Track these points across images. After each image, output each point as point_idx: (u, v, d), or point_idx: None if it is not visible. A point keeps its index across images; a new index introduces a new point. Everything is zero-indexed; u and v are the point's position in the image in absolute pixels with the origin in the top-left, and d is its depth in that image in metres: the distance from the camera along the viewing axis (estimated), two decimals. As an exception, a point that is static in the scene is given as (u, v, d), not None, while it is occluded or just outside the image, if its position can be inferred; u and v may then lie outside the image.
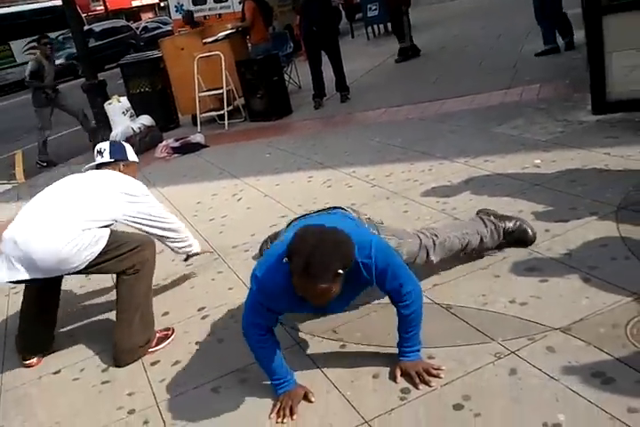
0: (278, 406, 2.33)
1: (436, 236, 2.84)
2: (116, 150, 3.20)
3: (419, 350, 2.41)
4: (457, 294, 2.83)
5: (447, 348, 2.47)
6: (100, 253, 2.80)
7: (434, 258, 2.82)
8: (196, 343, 2.94)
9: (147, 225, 3.02)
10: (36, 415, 2.67)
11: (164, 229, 3.10)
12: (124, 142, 3.45)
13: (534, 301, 2.66)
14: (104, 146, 3.20)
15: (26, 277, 2.76)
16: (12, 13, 22.29)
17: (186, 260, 3.58)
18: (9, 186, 7.71)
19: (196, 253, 3.46)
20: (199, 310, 3.25)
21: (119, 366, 2.89)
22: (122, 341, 2.89)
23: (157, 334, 3.01)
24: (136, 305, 2.91)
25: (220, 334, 2.97)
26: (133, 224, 3.00)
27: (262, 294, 2.25)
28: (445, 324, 2.63)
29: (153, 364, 2.86)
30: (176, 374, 2.74)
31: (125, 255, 2.88)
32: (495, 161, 4.34)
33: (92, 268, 2.84)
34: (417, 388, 2.29)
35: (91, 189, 2.93)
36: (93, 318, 3.45)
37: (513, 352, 2.36)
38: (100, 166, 3.18)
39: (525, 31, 9.07)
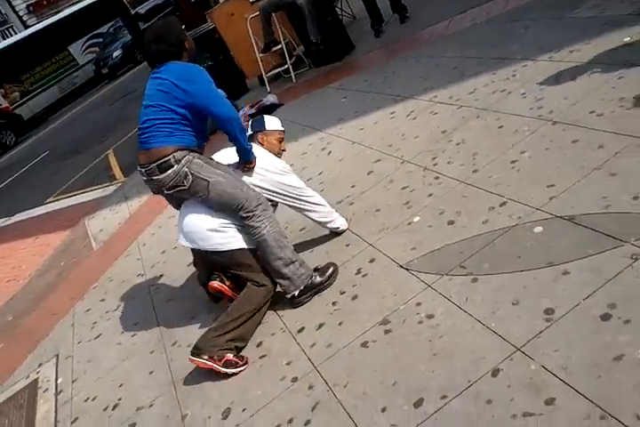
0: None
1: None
2: (256, 124, 3.52)
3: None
4: (576, 203, 2.73)
5: (580, 260, 2.41)
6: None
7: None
8: (333, 304, 3.05)
9: (289, 197, 3.31)
10: (211, 399, 2.89)
11: (305, 201, 3.36)
12: (267, 116, 3.60)
13: (661, 193, 2.52)
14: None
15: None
16: (65, 17, 21.61)
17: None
18: (114, 187, 7.93)
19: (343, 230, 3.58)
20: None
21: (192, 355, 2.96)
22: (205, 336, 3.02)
23: (230, 356, 2.97)
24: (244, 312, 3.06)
25: (351, 291, 3.06)
26: (277, 196, 3.29)
27: None
28: (572, 236, 2.56)
29: (299, 331, 2.99)
30: (323, 336, 2.86)
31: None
32: (581, 49, 4.04)
33: None
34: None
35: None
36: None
37: (651, 251, 2.27)
38: None
39: None
